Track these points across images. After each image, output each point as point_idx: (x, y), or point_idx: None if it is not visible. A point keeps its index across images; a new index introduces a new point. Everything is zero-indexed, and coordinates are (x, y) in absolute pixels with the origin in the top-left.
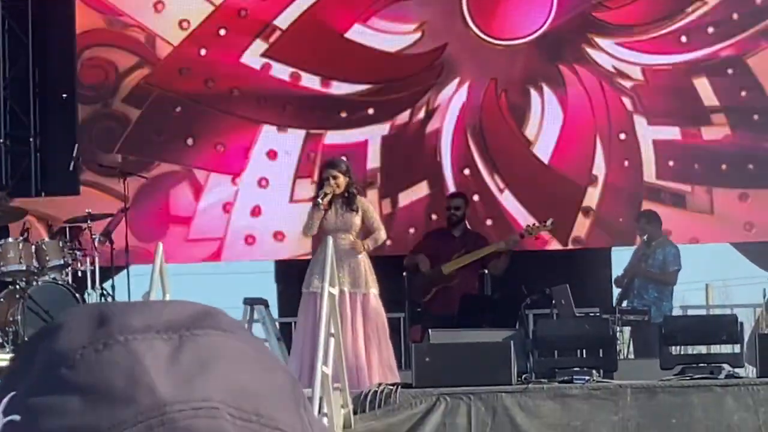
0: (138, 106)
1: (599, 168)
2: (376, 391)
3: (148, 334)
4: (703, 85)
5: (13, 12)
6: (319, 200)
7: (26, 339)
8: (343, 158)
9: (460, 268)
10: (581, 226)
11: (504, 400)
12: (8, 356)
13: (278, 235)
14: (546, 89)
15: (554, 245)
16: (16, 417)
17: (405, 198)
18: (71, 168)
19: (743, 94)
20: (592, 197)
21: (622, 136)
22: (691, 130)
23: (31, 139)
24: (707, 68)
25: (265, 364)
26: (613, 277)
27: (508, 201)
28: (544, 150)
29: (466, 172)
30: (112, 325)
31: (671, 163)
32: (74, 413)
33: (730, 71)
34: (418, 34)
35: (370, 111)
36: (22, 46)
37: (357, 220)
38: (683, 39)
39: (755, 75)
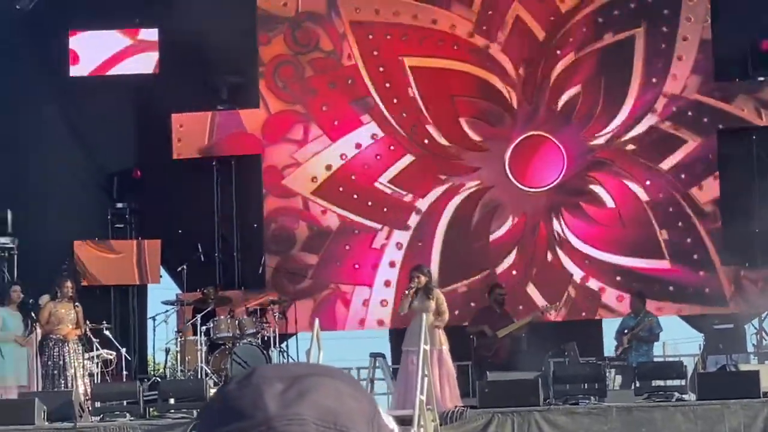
0: (309, 251)
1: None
2: (454, 411)
3: (273, 380)
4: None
5: (222, 171)
6: (407, 291)
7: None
8: (424, 264)
9: (506, 333)
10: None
11: (535, 415)
12: None
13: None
14: (565, 216)
15: (567, 318)
16: None
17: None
18: (260, 272)
19: (688, 240)
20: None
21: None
22: (646, 259)
23: (234, 254)
24: (664, 213)
25: (352, 395)
26: (604, 338)
27: (533, 291)
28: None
29: (514, 272)
30: (254, 375)
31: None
32: (218, 426)
33: (679, 224)
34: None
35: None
36: (228, 193)
37: (432, 305)
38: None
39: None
